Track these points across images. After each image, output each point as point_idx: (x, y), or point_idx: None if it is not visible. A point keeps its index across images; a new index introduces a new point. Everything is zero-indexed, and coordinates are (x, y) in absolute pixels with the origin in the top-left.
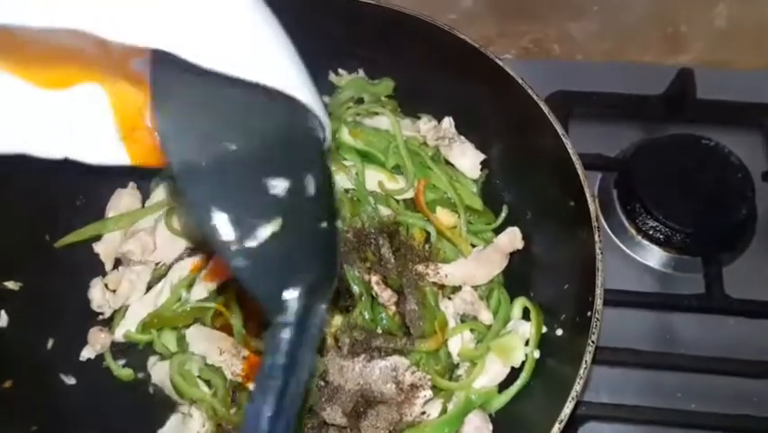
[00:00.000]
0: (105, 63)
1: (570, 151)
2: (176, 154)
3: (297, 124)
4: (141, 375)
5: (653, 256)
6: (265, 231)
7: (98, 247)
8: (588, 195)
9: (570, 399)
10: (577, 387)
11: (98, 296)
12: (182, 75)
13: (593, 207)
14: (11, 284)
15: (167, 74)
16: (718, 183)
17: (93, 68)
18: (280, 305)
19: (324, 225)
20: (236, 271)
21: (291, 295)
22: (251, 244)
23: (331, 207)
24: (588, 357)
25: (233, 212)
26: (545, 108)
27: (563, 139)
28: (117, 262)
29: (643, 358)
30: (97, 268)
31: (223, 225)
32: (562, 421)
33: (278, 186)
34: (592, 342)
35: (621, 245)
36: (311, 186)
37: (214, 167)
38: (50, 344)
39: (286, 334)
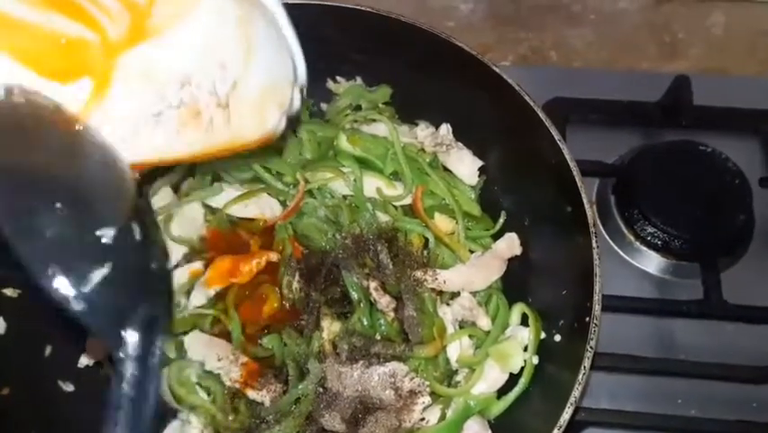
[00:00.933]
0: None
1: (567, 156)
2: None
3: (112, 176)
4: None
5: (652, 262)
6: (97, 275)
7: None
8: (585, 200)
9: (569, 404)
10: (576, 393)
11: None
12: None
13: (590, 212)
14: (9, 291)
15: None
16: (716, 189)
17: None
18: (120, 341)
19: (154, 265)
20: (76, 315)
21: (129, 332)
22: (86, 288)
23: (158, 249)
24: (587, 363)
25: (67, 263)
26: (542, 115)
27: (560, 145)
28: None
29: (642, 364)
30: None
31: (58, 279)
32: (561, 427)
33: (106, 234)
34: (591, 347)
35: (619, 251)
36: (137, 232)
37: (41, 224)
38: (48, 351)
39: (128, 367)
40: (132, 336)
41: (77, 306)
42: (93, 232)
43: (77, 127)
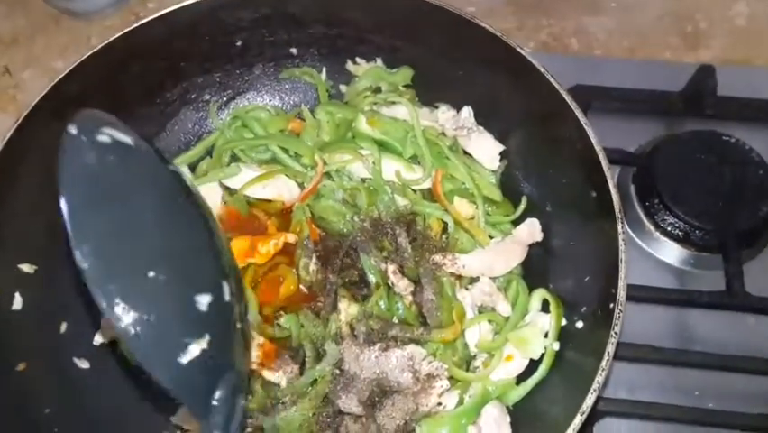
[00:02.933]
0: None
1: (593, 141)
2: (103, 291)
3: (205, 235)
4: None
5: (672, 253)
6: (196, 348)
7: None
8: (611, 185)
9: (591, 390)
10: (599, 378)
11: None
12: (98, 205)
13: (617, 198)
14: (26, 267)
15: (83, 213)
16: (739, 180)
17: None
18: (210, 410)
19: (239, 325)
20: (168, 388)
21: (218, 398)
22: (183, 360)
23: (243, 306)
24: (610, 349)
25: (162, 339)
26: (568, 98)
27: (586, 129)
28: None
29: (661, 355)
30: None
31: (151, 355)
32: (583, 413)
33: (203, 301)
34: (615, 333)
35: (639, 241)
36: (227, 292)
37: (142, 296)
38: (63, 327)
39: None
40: (221, 403)
41: (170, 382)
42: (191, 299)
43: (171, 177)
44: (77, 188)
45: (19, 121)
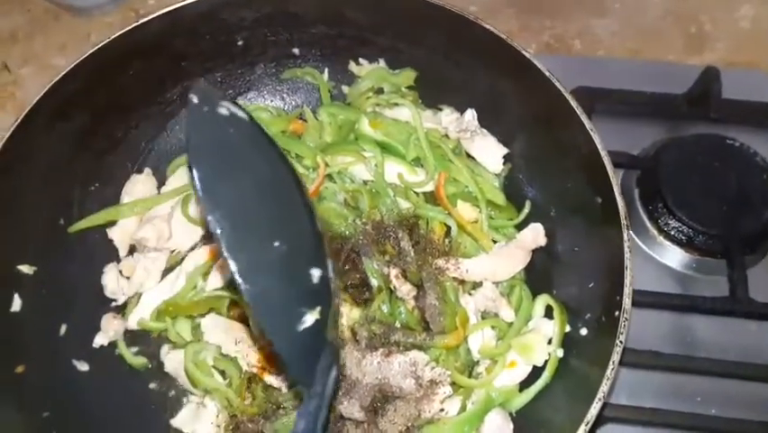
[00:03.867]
0: None
1: (598, 146)
2: (235, 257)
3: (315, 215)
4: (154, 364)
5: (675, 257)
6: (311, 318)
7: (113, 233)
8: (616, 192)
9: (596, 399)
10: (604, 387)
11: (112, 282)
12: (224, 174)
13: (622, 204)
14: (25, 268)
15: (212, 181)
16: (743, 184)
17: None
18: (313, 379)
19: (336, 300)
20: (283, 355)
21: (321, 368)
22: (299, 328)
23: (336, 285)
24: (615, 357)
25: (288, 302)
26: (573, 102)
27: (591, 134)
28: (132, 249)
29: (664, 361)
30: (112, 254)
31: (271, 322)
32: (588, 423)
33: (315, 274)
34: (620, 342)
35: (642, 245)
36: (330, 268)
37: (269, 265)
38: (63, 329)
39: (314, 402)
40: (322, 374)
41: (286, 350)
42: (306, 271)
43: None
44: (205, 157)
45: (19, 120)
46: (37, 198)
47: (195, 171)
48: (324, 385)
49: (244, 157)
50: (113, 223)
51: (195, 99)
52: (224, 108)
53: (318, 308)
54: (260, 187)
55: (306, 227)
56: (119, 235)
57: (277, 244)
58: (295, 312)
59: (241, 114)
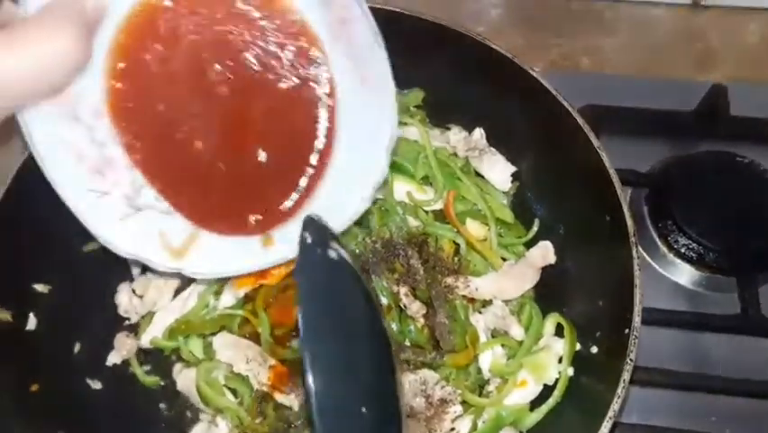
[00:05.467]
0: None
1: (606, 164)
2: (322, 422)
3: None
4: (166, 382)
5: (685, 275)
6: None
7: None
8: (625, 209)
9: (607, 418)
10: (615, 406)
11: (125, 301)
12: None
13: (630, 221)
14: (40, 287)
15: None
16: (753, 201)
17: None
18: None
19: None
20: None
21: None
22: None
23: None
24: (626, 376)
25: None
26: (581, 120)
27: (599, 152)
28: (145, 268)
29: (676, 379)
30: (125, 273)
31: None
32: None
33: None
34: (630, 360)
35: (652, 263)
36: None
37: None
38: (76, 348)
39: None
40: None
41: None
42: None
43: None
44: (313, 305)
45: None
46: (53, 217)
47: (301, 320)
48: None
49: (346, 307)
50: None
51: (308, 239)
52: (334, 252)
53: None
54: (357, 341)
55: (393, 387)
56: None
57: (364, 410)
58: None
59: (345, 257)
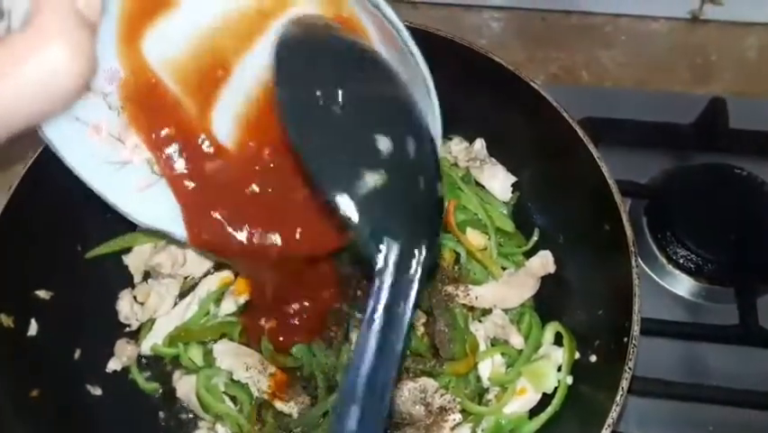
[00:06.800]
0: None
1: (606, 174)
2: (288, 101)
3: (402, 90)
4: (166, 389)
5: (684, 286)
6: (370, 180)
7: (128, 259)
8: (624, 219)
9: (606, 426)
10: (613, 414)
11: (126, 308)
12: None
13: (630, 231)
14: (42, 293)
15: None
16: (751, 213)
17: None
18: (380, 250)
19: (422, 186)
20: (345, 215)
21: (390, 243)
22: (359, 190)
23: (431, 172)
24: (624, 384)
25: (343, 161)
26: (581, 132)
27: (599, 162)
28: (146, 275)
29: (674, 389)
30: (126, 280)
31: (333, 173)
32: None
33: (382, 141)
34: (629, 368)
35: (651, 274)
36: (412, 148)
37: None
38: (77, 354)
39: (386, 279)
40: (393, 248)
41: (347, 207)
42: (371, 133)
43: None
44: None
45: (40, 149)
46: (55, 224)
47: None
48: (402, 261)
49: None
50: (128, 249)
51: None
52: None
53: (383, 171)
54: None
55: (387, 95)
56: (134, 262)
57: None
58: (355, 171)
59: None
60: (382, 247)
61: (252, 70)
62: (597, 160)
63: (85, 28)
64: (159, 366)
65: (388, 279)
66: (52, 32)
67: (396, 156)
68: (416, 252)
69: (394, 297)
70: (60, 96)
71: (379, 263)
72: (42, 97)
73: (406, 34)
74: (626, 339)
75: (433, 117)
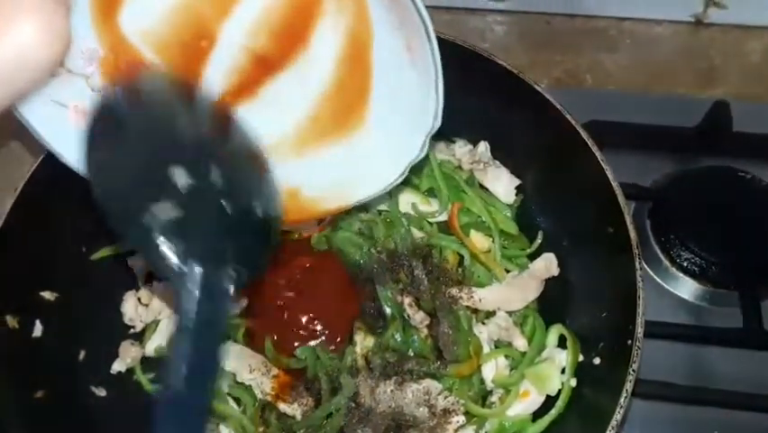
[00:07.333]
0: None
1: (610, 177)
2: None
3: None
4: None
5: (688, 288)
6: (163, 209)
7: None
8: (628, 222)
9: (609, 429)
10: (617, 417)
11: (131, 310)
12: None
13: (633, 234)
14: (47, 294)
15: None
16: (755, 216)
17: None
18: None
19: (229, 210)
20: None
21: (193, 266)
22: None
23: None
24: (628, 386)
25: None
26: (585, 135)
27: (603, 166)
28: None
29: (678, 392)
30: (131, 282)
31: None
32: None
33: (178, 173)
34: (633, 371)
35: (655, 277)
36: (216, 175)
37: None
38: (81, 355)
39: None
40: (194, 271)
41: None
42: (165, 165)
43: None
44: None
45: (46, 152)
46: (61, 226)
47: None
48: (205, 284)
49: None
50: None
51: None
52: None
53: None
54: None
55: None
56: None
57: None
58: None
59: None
60: (186, 268)
61: (236, 38)
62: (601, 163)
63: (59, 4)
64: (163, 368)
65: (195, 293)
66: (23, 8)
67: (193, 187)
68: (221, 273)
69: (203, 308)
70: (32, 74)
71: (186, 283)
72: (13, 76)
73: None
74: (629, 342)
75: (431, 72)
